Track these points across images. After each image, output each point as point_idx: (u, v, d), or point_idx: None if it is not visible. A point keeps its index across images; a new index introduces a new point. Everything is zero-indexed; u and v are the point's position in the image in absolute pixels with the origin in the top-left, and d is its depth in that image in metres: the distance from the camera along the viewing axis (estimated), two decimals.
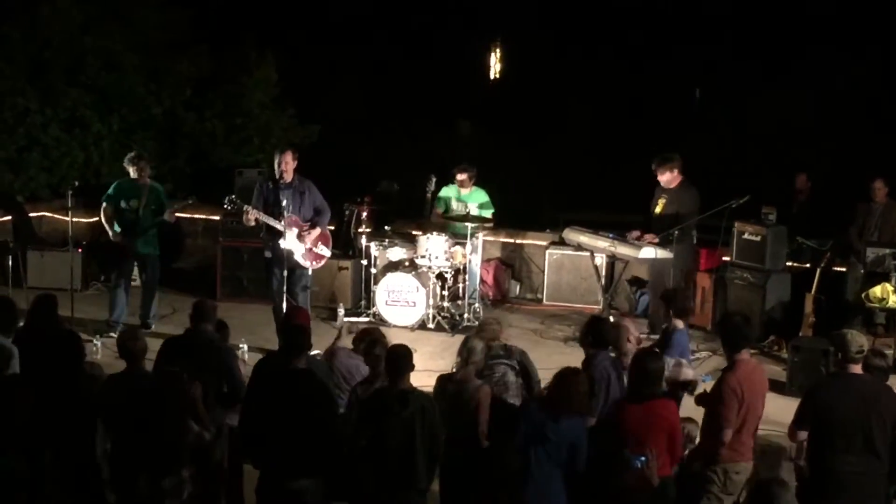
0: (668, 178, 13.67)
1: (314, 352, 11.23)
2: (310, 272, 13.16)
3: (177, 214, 14.17)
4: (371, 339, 9.54)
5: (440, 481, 8.89)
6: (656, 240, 13.39)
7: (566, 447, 8.15)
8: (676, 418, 8.54)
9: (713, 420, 8.62)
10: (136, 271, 14.14)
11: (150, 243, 13.81)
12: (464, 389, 8.93)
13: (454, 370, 9.64)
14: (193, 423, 8.54)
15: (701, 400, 9.13)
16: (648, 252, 13.13)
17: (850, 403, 8.25)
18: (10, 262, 14.53)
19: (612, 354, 9.50)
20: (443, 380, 9.22)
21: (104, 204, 13.75)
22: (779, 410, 9.93)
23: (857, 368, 8.41)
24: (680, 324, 10.30)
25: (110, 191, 13.77)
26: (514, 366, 9.60)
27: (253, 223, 12.87)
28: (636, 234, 13.71)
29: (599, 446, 8.27)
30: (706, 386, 9.40)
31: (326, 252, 13.26)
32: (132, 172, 13.67)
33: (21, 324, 10.21)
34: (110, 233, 13.69)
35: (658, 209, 13.76)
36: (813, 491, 8.36)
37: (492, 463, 8.67)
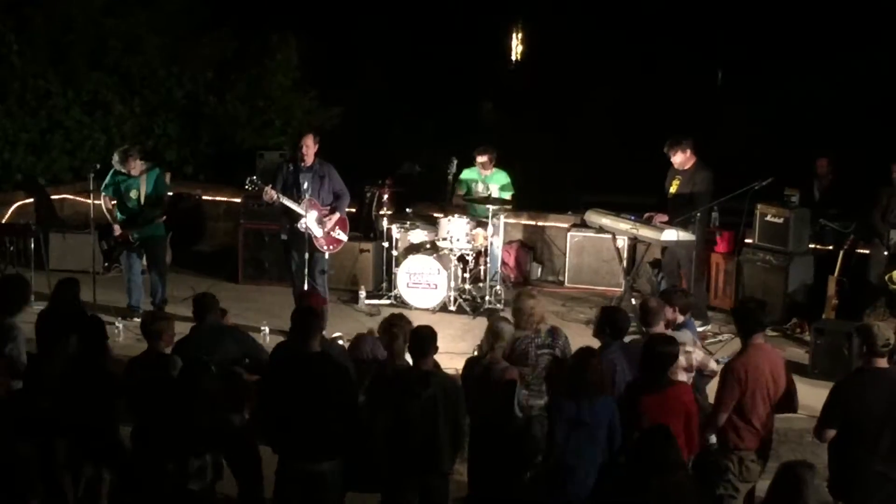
0: (681, 159, 13.58)
1: (336, 334, 11.25)
2: (326, 256, 13.16)
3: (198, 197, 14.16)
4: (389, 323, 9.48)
5: (469, 465, 8.89)
6: (665, 219, 13.37)
7: (604, 428, 8.16)
8: (693, 403, 8.53)
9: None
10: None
11: (153, 227, 13.62)
12: (492, 371, 8.90)
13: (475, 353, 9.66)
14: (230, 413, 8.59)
15: None
16: (671, 234, 13.07)
17: (877, 400, 8.02)
18: (33, 245, 14.58)
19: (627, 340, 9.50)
20: (470, 363, 9.20)
21: (104, 194, 13.58)
22: (801, 394, 9.88)
23: (883, 362, 8.18)
24: (681, 317, 10.21)
25: (107, 180, 13.57)
26: (558, 354, 9.50)
27: (272, 200, 12.75)
28: (648, 215, 13.67)
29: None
30: None
31: (343, 237, 13.24)
32: (123, 169, 13.46)
33: (40, 307, 10.34)
34: (113, 224, 13.59)
35: (672, 190, 13.69)
36: (837, 493, 8.17)
37: (520, 444, 8.65)
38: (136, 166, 13.49)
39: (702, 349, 9.71)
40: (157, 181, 13.65)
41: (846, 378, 8.71)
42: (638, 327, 12.26)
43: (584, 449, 8.16)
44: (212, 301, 9.85)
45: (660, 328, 9.64)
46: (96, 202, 13.89)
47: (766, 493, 6.94)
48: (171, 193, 13.72)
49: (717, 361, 10.36)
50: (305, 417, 8.25)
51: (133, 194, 13.44)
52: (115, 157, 13.58)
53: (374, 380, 8.88)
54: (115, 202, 13.50)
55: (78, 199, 16.84)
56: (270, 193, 12.63)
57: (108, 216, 13.60)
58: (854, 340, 11.35)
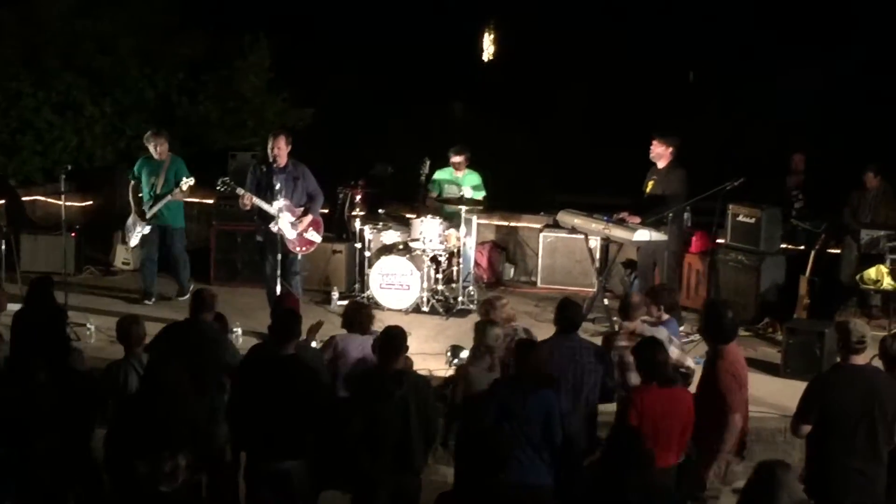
0: (659, 151, 13.50)
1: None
2: (299, 257, 13.15)
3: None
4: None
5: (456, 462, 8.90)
6: (637, 220, 13.34)
7: (539, 421, 8.17)
8: (692, 412, 8.47)
9: (717, 410, 8.47)
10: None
11: (170, 215, 14.18)
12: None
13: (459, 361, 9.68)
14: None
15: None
16: (643, 235, 13.05)
17: (853, 396, 7.99)
18: (4, 247, 14.49)
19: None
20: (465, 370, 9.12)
21: (131, 182, 14.27)
22: (773, 393, 9.97)
23: (859, 359, 8.15)
24: (665, 315, 10.24)
25: (134, 168, 14.25)
26: None
27: (248, 207, 12.84)
28: (623, 214, 13.62)
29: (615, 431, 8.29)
30: (699, 368, 9.35)
31: (317, 238, 13.24)
32: (151, 150, 14.01)
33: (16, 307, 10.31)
34: (136, 208, 14.14)
35: (647, 189, 13.70)
36: (813, 488, 8.07)
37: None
38: (164, 148, 14.13)
39: (678, 347, 9.71)
40: (181, 168, 14.21)
41: (822, 374, 8.75)
42: (609, 325, 12.35)
43: (520, 440, 8.16)
44: (208, 299, 9.74)
45: (637, 323, 9.70)
46: (68, 203, 13.94)
47: (741, 492, 6.96)
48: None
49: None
50: (272, 418, 8.28)
51: (153, 179, 14.01)
52: (146, 135, 14.36)
53: (352, 381, 8.92)
54: (139, 193, 14.16)
55: (49, 200, 16.79)
56: (245, 201, 12.66)
57: (133, 204, 14.19)
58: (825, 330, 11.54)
